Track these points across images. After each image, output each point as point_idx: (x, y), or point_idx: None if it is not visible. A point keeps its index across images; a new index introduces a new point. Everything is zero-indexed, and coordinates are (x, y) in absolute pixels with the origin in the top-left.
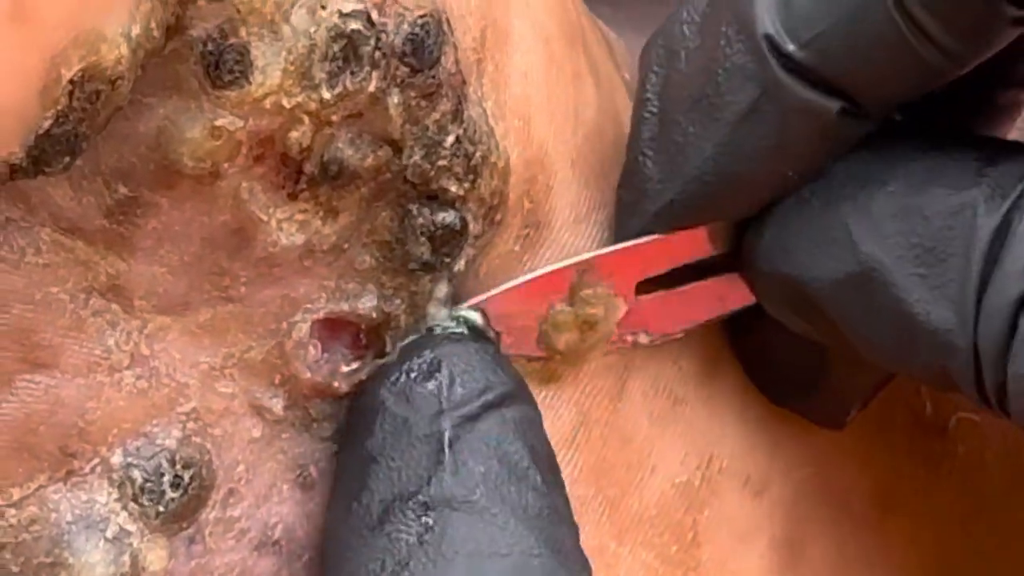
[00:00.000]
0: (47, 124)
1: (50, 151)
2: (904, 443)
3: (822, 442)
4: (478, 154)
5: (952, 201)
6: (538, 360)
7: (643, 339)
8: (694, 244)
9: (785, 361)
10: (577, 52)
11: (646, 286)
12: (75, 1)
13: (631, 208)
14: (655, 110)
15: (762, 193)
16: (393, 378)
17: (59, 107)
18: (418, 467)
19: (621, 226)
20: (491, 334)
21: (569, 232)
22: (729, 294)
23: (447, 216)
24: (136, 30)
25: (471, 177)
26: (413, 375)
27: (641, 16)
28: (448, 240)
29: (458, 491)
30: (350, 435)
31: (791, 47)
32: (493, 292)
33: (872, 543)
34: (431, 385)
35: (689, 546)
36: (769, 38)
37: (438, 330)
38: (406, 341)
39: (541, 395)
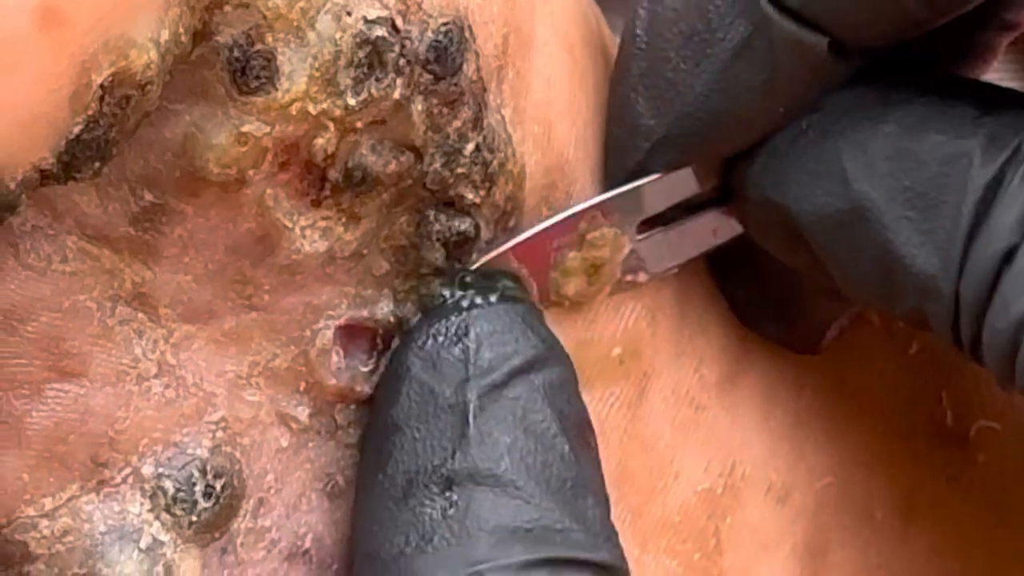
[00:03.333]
0: (77, 130)
1: (81, 157)
2: (926, 452)
3: (844, 450)
4: (495, 162)
5: (948, 148)
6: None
7: (642, 277)
8: (688, 181)
9: (765, 288)
10: (599, 61)
11: (645, 226)
12: (105, 6)
13: (623, 144)
14: (644, 46)
15: (753, 129)
16: (420, 342)
17: (89, 112)
18: (443, 438)
19: (614, 163)
20: (521, 294)
21: None
22: (720, 228)
23: (463, 223)
24: (165, 35)
25: (487, 185)
26: (440, 339)
27: None
28: (461, 245)
29: (482, 464)
30: (377, 401)
31: None
32: (507, 244)
33: (894, 551)
34: (457, 350)
35: (712, 553)
36: None
37: (467, 291)
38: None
39: None
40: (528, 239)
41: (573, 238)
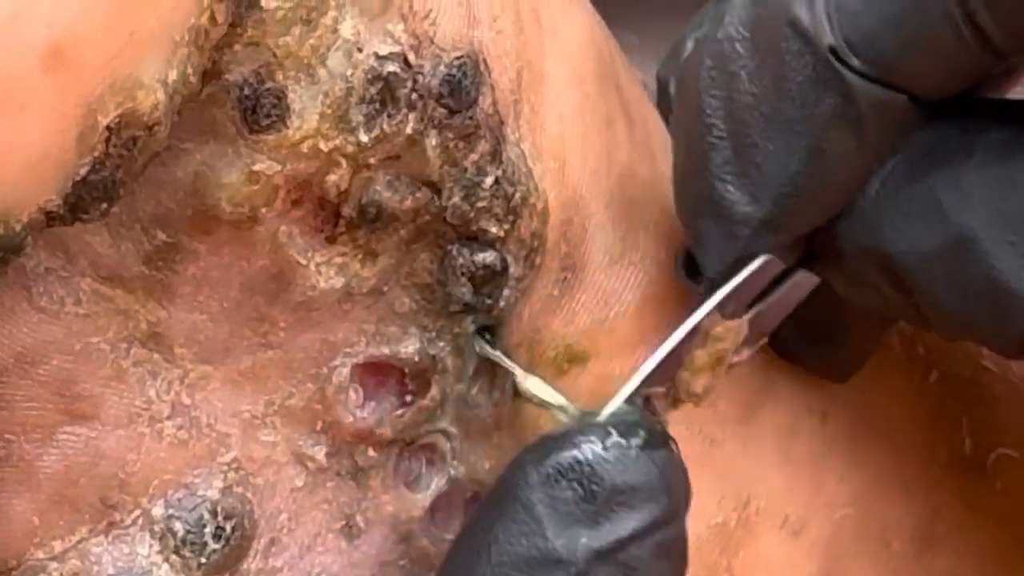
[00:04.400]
0: (84, 171)
1: (87, 198)
2: (944, 480)
3: (864, 479)
4: (517, 195)
5: None
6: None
7: (744, 355)
8: (785, 253)
9: (807, 318)
10: (609, 93)
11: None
12: (112, 48)
13: (719, 237)
14: (724, 134)
15: (849, 191)
16: (546, 471)
17: (96, 154)
18: None
19: (710, 254)
20: (665, 436)
21: (603, 274)
22: (801, 290)
23: (487, 256)
24: (172, 76)
25: (511, 218)
26: (570, 479)
27: (668, 46)
28: (489, 280)
29: None
30: (485, 511)
31: (855, 62)
32: (646, 369)
33: None
34: (583, 500)
35: None
36: (834, 50)
37: (609, 424)
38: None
39: None
40: (667, 358)
41: (697, 338)
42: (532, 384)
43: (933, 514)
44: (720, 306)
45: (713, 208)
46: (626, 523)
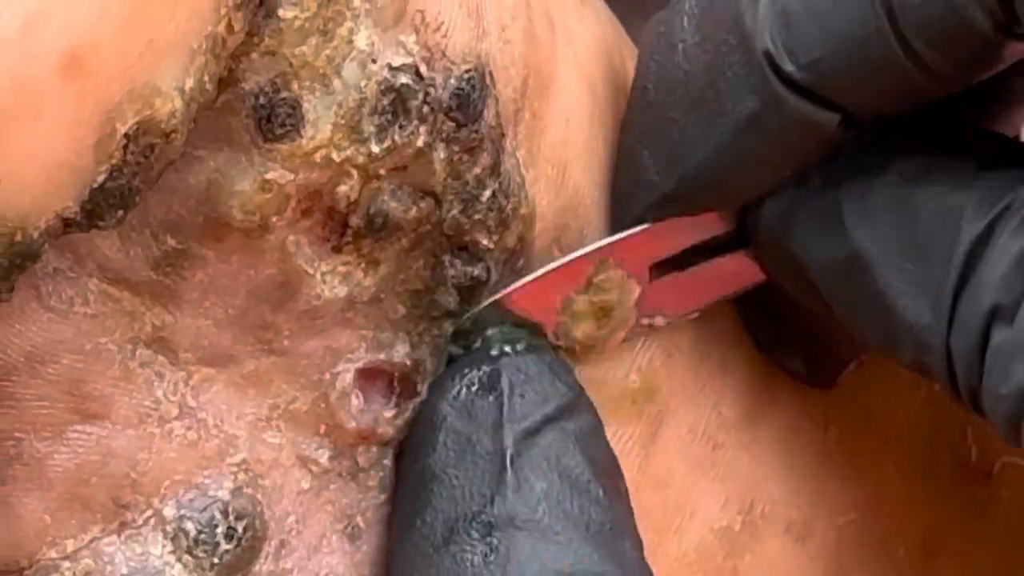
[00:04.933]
0: (101, 178)
1: (104, 205)
2: (949, 488)
3: (868, 487)
4: (509, 207)
5: (943, 201)
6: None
7: (659, 321)
8: (703, 224)
9: (789, 325)
10: (621, 97)
11: (660, 269)
12: (131, 55)
13: (627, 197)
14: (652, 100)
15: (759, 191)
16: (453, 392)
17: (113, 161)
18: (481, 485)
19: (619, 211)
20: (546, 343)
21: None
22: (742, 271)
23: (477, 268)
24: (190, 83)
25: (501, 229)
26: (473, 388)
27: None
28: (473, 290)
29: (521, 509)
30: (411, 450)
31: (790, 67)
32: (513, 287)
33: None
34: (491, 398)
35: None
36: (768, 55)
37: (494, 340)
38: (465, 353)
39: None
40: (532, 282)
41: (581, 282)
42: None
43: (939, 522)
44: (621, 261)
45: (628, 168)
46: (537, 410)
